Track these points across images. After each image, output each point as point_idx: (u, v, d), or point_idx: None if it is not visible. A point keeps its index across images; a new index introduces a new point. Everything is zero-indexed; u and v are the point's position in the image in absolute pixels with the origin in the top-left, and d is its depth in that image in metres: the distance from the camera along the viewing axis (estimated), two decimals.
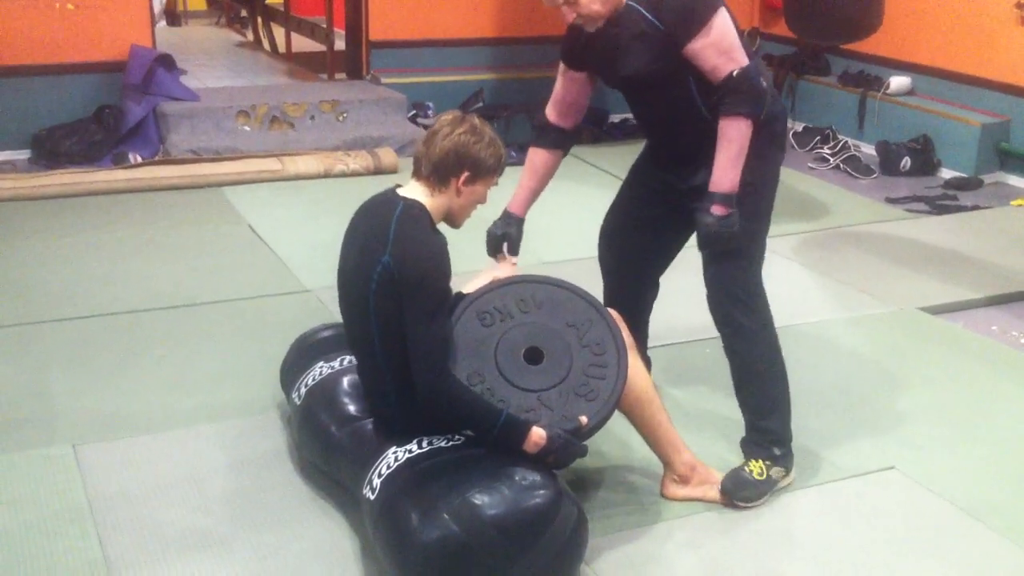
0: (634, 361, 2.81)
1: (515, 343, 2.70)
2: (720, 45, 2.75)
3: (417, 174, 2.72)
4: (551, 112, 3.11)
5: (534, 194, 3.15)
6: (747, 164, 2.82)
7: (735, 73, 2.74)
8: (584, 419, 2.61)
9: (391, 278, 2.55)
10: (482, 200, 2.74)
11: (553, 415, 2.62)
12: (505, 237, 3.08)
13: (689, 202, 2.93)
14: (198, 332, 3.96)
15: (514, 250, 3.09)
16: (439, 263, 2.58)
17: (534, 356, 2.70)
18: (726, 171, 2.78)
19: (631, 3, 2.80)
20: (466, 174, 2.65)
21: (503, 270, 2.97)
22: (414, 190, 2.70)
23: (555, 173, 3.16)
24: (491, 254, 3.11)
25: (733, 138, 2.77)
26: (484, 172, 2.68)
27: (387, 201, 2.71)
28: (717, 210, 2.79)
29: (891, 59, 7.08)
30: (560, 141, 3.12)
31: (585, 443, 2.64)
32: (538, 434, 2.53)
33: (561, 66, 3.06)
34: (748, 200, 2.87)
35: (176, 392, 3.50)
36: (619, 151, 6.55)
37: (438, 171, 2.66)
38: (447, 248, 2.62)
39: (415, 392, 2.55)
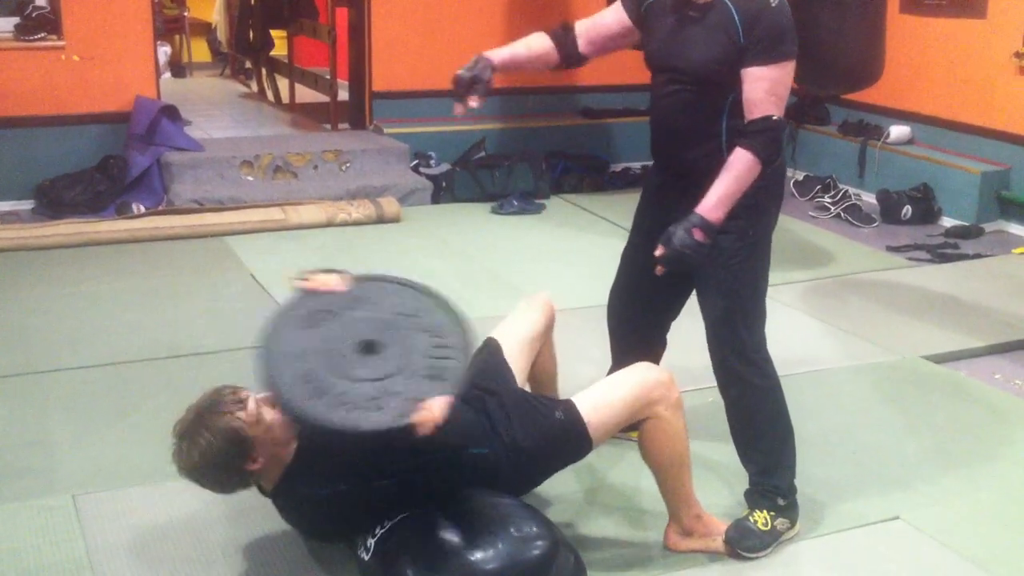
0: (678, 422, 2.78)
1: (344, 338, 2.57)
2: (776, 86, 2.74)
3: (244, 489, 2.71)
4: (579, 24, 2.99)
5: (512, 55, 2.92)
6: (751, 221, 2.83)
7: (775, 118, 2.73)
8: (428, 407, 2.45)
9: None
10: (268, 404, 2.60)
11: (401, 399, 2.44)
12: (475, 80, 2.81)
13: None
14: (200, 382, 3.92)
15: (482, 91, 2.82)
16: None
17: (370, 348, 2.57)
18: (722, 202, 2.74)
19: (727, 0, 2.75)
20: (244, 464, 2.57)
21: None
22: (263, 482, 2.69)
23: (534, 64, 2.98)
24: (459, 96, 2.81)
25: (741, 174, 2.74)
26: (240, 443, 2.54)
27: None
28: (697, 234, 2.73)
29: (891, 108, 7.12)
30: (563, 42, 2.96)
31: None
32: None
33: (617, 3, 2.98)
34: (752, 258, 2.86)
35: None
36: (621, 200, 6.57)
37: (239, 484, 2.65)
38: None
39: None
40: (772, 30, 2.72)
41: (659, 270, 2.81)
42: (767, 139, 2.74)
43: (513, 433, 2.70)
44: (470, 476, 2.67)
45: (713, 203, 2.74)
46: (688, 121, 2.87)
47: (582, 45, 3.00)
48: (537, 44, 3.00)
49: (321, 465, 2.59)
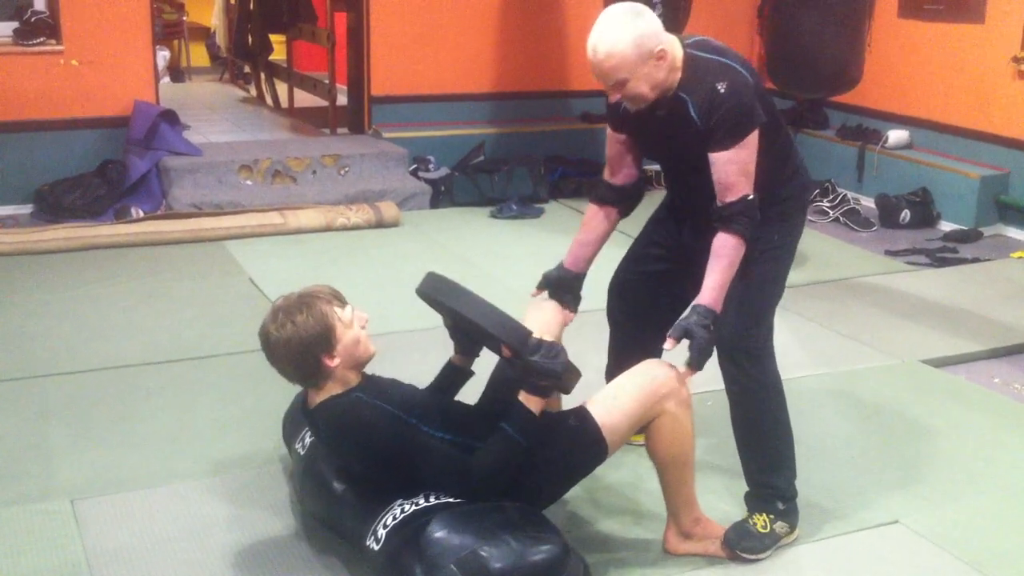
0: (686, 420, 2.80)
1: None
2: (746, 165, 2.79)
3: (305, 384, 2.75)
4: (605, 169, 3.15)
5: (583, 246, 3.17)
6: (777, 227, 2.91)
7: (751, 197, 2.78)
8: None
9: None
10: (361, 323, 2.73)
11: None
12: (562, 286, 3.15)
13: (700, 260, 2.94)
14: (199, 385, 3.96)
15: (564, 298, 3.15)
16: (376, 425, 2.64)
17: None
18: (721, 291, 2.80)
19: (680, 94, 2.81)
20: (322, 355, 2.64)
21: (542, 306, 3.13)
22: (318, 394, 2.71)
23: (610, 229, 3.17)
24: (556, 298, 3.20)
25: (733, 261, 2.80)
26: (328, 333, 2.64)
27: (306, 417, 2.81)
28: (711, 328, 2.79)
29: (889, 112, 7.13)
30: (607, 196, 3.14)
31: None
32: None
33: (608, 131, 3.10)
34: (774, 261, 2.93)
35: (176, 446, 3.49)
36: None
37: (308, 374, 2.69)
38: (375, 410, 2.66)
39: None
40: (729, 115, 2.77)
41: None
42: (748, 219, 2.80)
43: (530, 444, 2.70)
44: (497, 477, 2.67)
45: (716, 295, 2.80)
46: (692, 186, 2.98)
47: (613, 179, 3.12)
48: (589, 214, 3.17)
49: (378, 401, 2.68)
